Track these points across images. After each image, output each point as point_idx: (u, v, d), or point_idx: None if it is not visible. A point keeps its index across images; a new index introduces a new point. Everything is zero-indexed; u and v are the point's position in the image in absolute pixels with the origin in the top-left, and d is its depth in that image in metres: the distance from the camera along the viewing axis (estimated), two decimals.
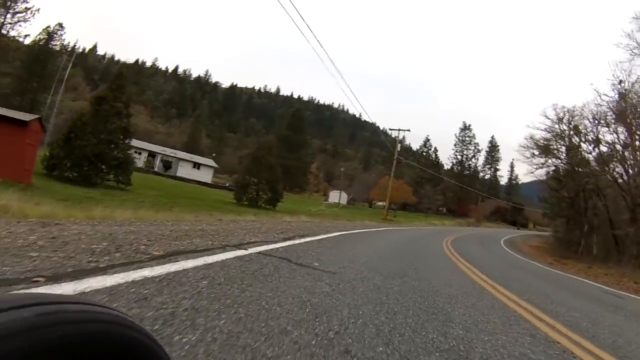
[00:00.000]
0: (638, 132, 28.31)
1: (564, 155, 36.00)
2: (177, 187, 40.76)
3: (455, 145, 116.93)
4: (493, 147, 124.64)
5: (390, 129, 48.66)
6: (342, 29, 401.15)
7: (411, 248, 14.34)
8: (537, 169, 38.08)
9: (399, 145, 50.00)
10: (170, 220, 9.51)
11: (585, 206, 32.97)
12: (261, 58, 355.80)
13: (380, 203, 74.32)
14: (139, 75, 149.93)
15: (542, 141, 36.81)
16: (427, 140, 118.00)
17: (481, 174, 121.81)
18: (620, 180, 28.73)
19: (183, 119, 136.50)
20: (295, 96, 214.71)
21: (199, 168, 70.70)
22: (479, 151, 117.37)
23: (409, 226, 37.39)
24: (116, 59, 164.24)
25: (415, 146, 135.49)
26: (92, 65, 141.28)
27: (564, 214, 37.66)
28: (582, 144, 33.98)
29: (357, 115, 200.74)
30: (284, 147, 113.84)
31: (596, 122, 31.44)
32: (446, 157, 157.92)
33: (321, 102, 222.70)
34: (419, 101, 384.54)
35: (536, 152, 37.13)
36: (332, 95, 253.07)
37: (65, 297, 0.51)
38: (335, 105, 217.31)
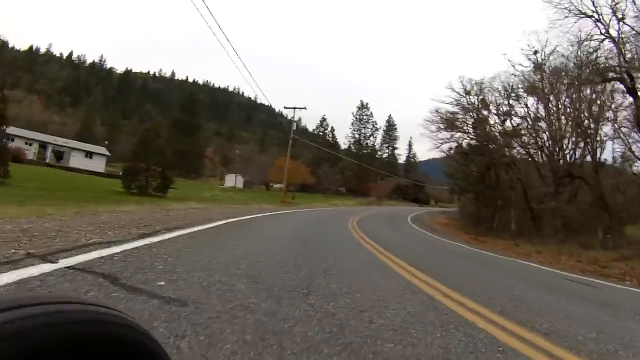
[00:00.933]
0: (553, 104, 26.64)
1: (472, 129, 33.92)
2: (67, 178, 36.38)
3: (352, 124, 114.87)
4: (390, 126, 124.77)
5: (285, 107, 44.03)
6: (236, 10, 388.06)
7: (314, 236, 11.23)
8: (442, 143, 35.64)
9: (294, 124, 45.84)
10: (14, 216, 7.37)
11: (497, 180, 31.01)
12: (157, 42, 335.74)
13: (278, 185, 70.84)
14: (33, 63, 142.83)
15: (448, 114, 34.38)
16: (324, 119, 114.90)
17: (379, 153, 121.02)
18: (533, 152, 26.98)
19: (78, 107, 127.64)
20: (191, 80, 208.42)
21: (91, 157, 66.85)
22: (377, 129, 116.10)
23: (309, 208, 33.78)
24: (10, 45, 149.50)
25: (311, 127, 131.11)
26: None
27: (473, 189, 35.70)
28: (492, 116, 32.04)
29: (253, 98, 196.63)
30: (179, 131, 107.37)
31: (507, 94, 29.40)
32: (343, 137, 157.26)
33: (216, 85, 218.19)
34: (315, 82, 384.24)
35: (442, 126, 34.66)
36: (227, 79, 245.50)
37: (66, 297, 0.51)
38: (231, 89, 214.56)
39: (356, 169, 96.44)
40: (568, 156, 26.50)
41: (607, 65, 21.60)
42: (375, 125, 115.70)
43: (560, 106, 26.74)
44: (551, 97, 26.39)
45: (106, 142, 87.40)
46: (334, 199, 63.89)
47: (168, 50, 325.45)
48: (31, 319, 0.42)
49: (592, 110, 24.92)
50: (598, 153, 25.22)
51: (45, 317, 0.43)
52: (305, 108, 44.36)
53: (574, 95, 25.14)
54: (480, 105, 31.81)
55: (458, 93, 32.81)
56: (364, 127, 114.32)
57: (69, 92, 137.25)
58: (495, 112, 30.99)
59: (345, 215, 25.13)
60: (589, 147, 25.16)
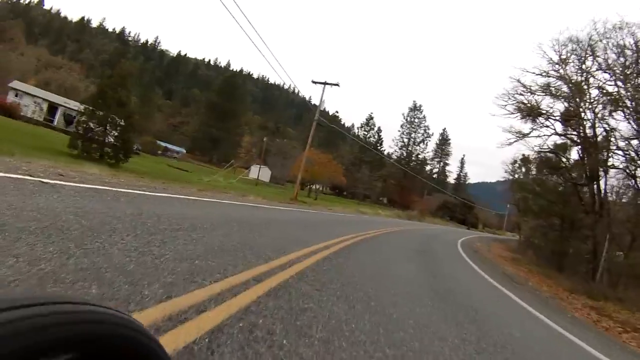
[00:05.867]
0: None
1: (563, 121, 22.70)
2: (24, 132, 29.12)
3: (402, 126, 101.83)
4: (444, 140, 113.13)
5: (313, 82, 34.20)
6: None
7: None
8: (517, 138, 23.83)
9: (322, 104, 36.01)
10: None
11: (594, 202, 19.87)
12: (216, 30, 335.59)
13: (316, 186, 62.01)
14: (81, 34, 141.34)
15: (529, 96, 23.18)
16: (371, 118, 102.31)
17: (429, 166, 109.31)
18: None
19: None
20: (246, 72, 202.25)
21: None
22: (429, 136, 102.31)
23: (316, 210, 24.22)
24: (62, 15, 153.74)
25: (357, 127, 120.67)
26: (34, 18, 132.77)
27: (554, 211, 24.25)
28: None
29: (307, 99, 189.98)
30: (214, 115, 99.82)
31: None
32: (390, 146, 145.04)
33: (271, 81, 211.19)
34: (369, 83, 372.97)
35: (521, 113, 23.36)
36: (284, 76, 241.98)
37: (66, 297, 0.51)
38: (286, 87, 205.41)
39: (401, 177, 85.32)
40: None
41: None
42: (427, 131, 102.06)
43: None
44: None
45: (135, 116, 79.40)
46: (367, 207, 53.53)
47: (227, 40, 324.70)
48: (32, 319, 0.41)
49: None
50: None
51: (46, 317, 0.43)
52: (338, 84, 34.43)
53: None
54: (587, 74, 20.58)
55: (551, 60, 21.69)
56: (415, 132, 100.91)
57: (112, 65, 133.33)
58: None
59: (359, 225, 16.93)
60: None
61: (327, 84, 34.22)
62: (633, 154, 17.84)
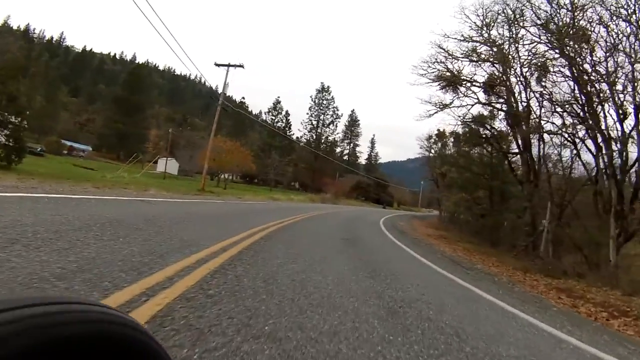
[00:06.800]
0: None
1: (486, 88, 21.58)
2: None
3: (310, 109, 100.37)
4: (353, 122, 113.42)
5: (216, 64, 31.38)
6: None
7: None
8: (439, 109, 21.91)
9: (226, 87, 33.11)
10: None
11: (529, 171, 18.90)
12: (120, 22, 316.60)
13: (226, 175, 58.76)
14: None
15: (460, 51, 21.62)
16: (278, 102, 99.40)
17: (339, 149, 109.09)
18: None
19: (24, 81, 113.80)
20: (152, 64, 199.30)
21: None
22: (338, 117, 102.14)
23: (224, 200, 21.95)
24: None
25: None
26: None
27: (481, 183, 23.23)
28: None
29: (215, 87, 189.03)
30: (120, 110, 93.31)
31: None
32: (298, 129, 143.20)
33: (177, 72, 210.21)
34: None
35: (440, 83, 21.93)
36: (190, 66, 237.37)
37: (67, 297, 0.51)
38: (193, 77, 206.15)
39: (312, 161, 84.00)
40: None
41: None
42: (337, 112, 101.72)
43: None
44: None
45: (27, 112, 71.95)
46: (279, 193, 51.41)
47: (132, 31, 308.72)
48: (31, 319, 0.42)
49: None
50: None
51: (46, 317, 0.43)
52: (242, 66, 31.90)
53: None
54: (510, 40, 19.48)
55: (474, 24, 20.41)
56: (324, 114, 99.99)
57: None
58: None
59: (265, 215, 14.92)
60: None
61: (231, 65, 31.58)
62: (569, 118, 16.94)
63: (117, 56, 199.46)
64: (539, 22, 17.48)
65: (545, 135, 18.67)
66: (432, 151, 51.34)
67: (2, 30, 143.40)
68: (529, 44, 19.06)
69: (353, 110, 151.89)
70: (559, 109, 17.59)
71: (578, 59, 16.15)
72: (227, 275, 4.47)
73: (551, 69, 17.70)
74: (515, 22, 19.06)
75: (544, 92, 18.54)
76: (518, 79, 19.76)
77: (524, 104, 19.32)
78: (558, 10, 16.84)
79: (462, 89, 21.92)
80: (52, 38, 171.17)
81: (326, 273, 5.80)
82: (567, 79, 16.90)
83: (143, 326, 0.54)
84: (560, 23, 16.89)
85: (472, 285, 7.87)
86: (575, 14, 16.26)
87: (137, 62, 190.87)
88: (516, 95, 20.14)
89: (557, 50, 17.05)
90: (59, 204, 7.33)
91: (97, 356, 0.46)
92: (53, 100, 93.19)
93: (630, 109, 14.68)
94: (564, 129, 17.08)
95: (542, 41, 18.20)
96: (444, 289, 6.90)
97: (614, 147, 14.99)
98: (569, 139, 17.02)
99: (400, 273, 7.38)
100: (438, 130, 42.26)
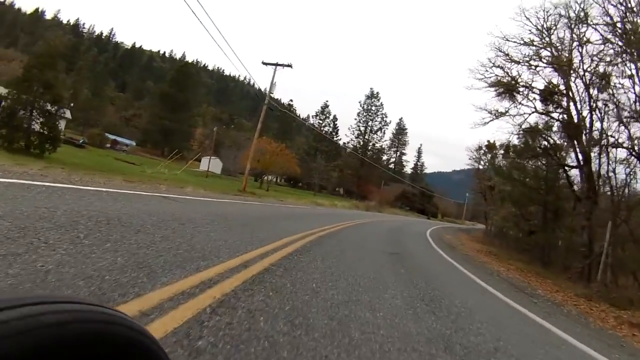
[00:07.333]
0: None
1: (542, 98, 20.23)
2: None
3: (358, 114, 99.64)
4: (401, 130, 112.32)
5: (264, 63, 31.46)
6: None
7: None
8: (494, 117, 21.08)
9: (273, 87, 32.90)
10: None
11: (590, 187, 17.37)
12: (173, 20, 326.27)
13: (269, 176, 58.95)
14: (35, 26, 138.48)
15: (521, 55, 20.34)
16: (326, 106, 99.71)
17: (385, 157, 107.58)
18: None
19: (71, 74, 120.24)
20: (201, 64, 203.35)
21: None
22: (386, 124, 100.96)
23: (265, 202, 21.24)
24: (16, 7, 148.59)
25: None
26: None
27: (535, 198, 21.65)
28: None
29: (263, 90, 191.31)
30: (167, 107, 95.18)
31: None
32: (346, 135, 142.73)
33: (227, 72, 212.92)
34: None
35: (497, 89, 20.74)
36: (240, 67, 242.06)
37: (66, 296, 0.50)
38: (241, 78, 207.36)
39: (357, 167, 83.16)
40: None
41: None
42: (385, 119, 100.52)
43: None
44: None
45: (71, 104, 74.65)
46: (323, 198, 50.60)
47: (182, 31, 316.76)
48: (31, 318, 0.41)
49: None
50: None
51: (45, 316, 0.43)
52: (290, 66, 31.79)
53: None
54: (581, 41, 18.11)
55: (535, 27, 19.20)
56: (372, 120, 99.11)
57: (66, 57, 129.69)
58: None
59: (304, 223, 13.22)
60: None
61: (279, 65, 31.42)
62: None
63: (167, 54, 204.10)
64: (607, 20, 16.12)
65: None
66: (482, 163, 49.73)
67: (51, 24, 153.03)
68: (594, 46, 17.72)
69: (401, 118, 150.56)
70: (625, 119, 16.14)
71: None
72: (236, 309, 3.27)
73: (615, 75, 16.29)
74: (580, 23, 17.72)
75: (609, 101, 17.13)
76: (580, 86, 18.39)
77: (586, 113, 17.90)
78: (628, 12, 15.47)
79: (519, 97, 20.77)
80: (101, 33, 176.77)
81: (376, 306, 4.64)
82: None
83: (141, 326, 0.54)
84: (630, 26, 15.48)
85: (545, 321, 6.85)
86: None
87: (185, 60, 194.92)
88: (577, 104, 18.78)
89: (626, 54, 15.62)
90: (56, 195, 6.57)
91: (95, 356, 0.46)
92: (100, 94, 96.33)
93: None
94: (630, 142, 15.58)
95: (608, 44, 16.86)
96: (518, 328, 5.90)
97: None
98: (635, 152, 15.46)
99: (463, 304, 6.25)
100: (488, 141, 40.71)
